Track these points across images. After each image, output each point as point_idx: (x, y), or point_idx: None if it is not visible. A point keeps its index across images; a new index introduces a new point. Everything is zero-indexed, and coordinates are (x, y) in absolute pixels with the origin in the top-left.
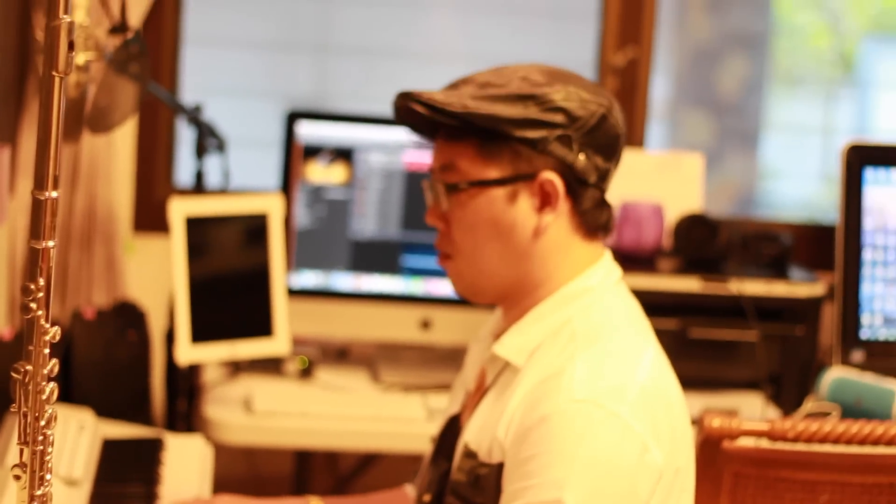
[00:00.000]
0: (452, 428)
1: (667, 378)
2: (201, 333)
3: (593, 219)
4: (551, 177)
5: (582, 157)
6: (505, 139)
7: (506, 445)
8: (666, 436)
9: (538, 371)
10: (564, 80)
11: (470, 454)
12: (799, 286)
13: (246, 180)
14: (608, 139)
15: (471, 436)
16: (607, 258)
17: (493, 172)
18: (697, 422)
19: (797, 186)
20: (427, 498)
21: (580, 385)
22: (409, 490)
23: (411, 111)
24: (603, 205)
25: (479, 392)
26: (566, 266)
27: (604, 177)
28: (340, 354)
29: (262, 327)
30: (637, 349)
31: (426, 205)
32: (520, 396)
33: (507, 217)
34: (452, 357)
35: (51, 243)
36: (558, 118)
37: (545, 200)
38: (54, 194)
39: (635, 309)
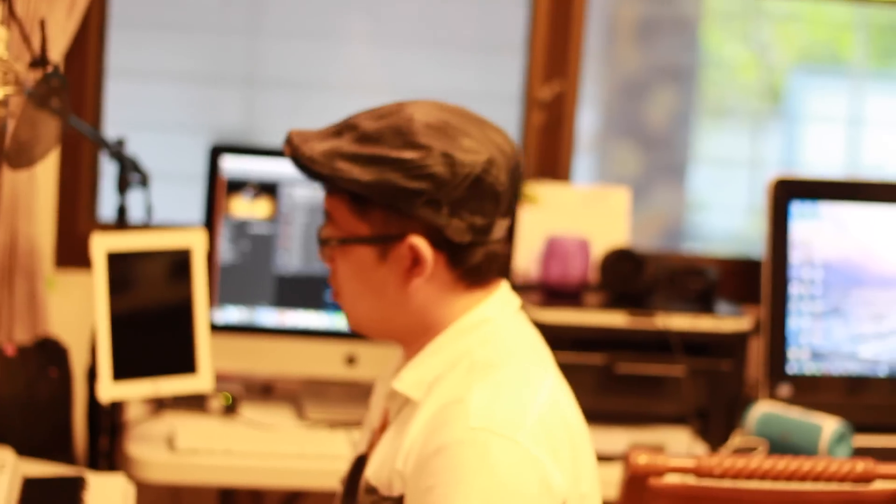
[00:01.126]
0: (359, 467)
1: (566, 406)
2: (124, 370)
3: (478, 273)
4: (418, 241)
5: (454, 221)
6: (373, 201)
7: (406, 476)
8: (568, 461)
9: (436, 401)
10: (446, 132)
11: (370, 489)
12: (725, 320)
13: (170, 215)
14: (484, 197)
15: (371, 471)
16: (504, 289)
17: (363, 230)
18: (623, 458)
19: (725, 219)
20: None
21: (477, 413)
22: None
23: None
24: (491, 256)
25: (383, 429)
26: (453, 311)
27: (485, 231)
28: (265, 391)
29: (185, 363)
30: (536, 377)
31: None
32: (418, 427)
33: (377, 275)
34: None
35: None
36: (424, 184)
37: (413, 264)
38: None
39: (535, 339)
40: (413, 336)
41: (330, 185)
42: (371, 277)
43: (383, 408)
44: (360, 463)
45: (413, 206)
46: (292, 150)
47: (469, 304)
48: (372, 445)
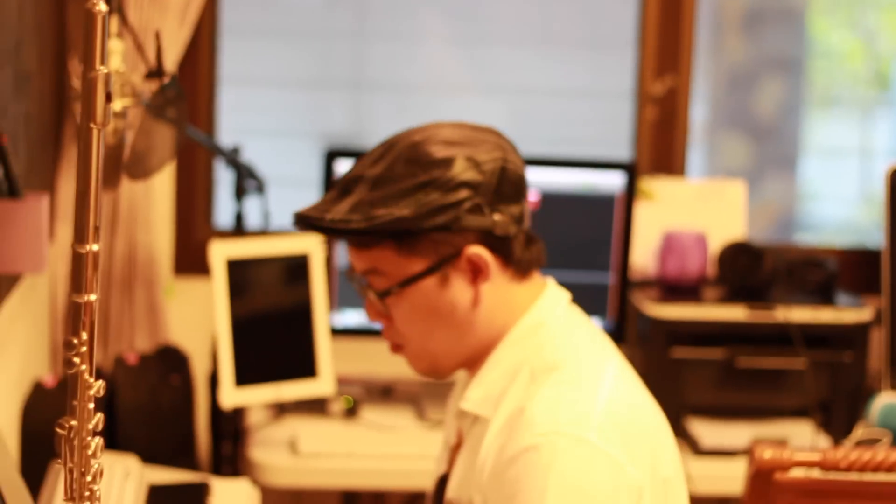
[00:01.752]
0: (441, 487)
1: (634, 393)
2: (245, 376)
3: (525, 262)
4: (476, 250)
5: (497, 216)
6: (420, 232)
7: (484, 492)
8: (641, 450)
9: (503, 414)
10: (457, 144)
11: None
12: (846, 312)
13: (285, 219)
14: (513, 185)
15: (452, 491)
16: (551, 287)
17: (417, 266)
18: (748, 453)
19: (837, 208)
20: None
21: (542, 418)
22: None
23: (318, 232)
24: (530, 242)
25: (458, 447)
26: (512, 311)
27: (520, 219)
28: (385, 393)
29: (305, 368)
30: (596, 371)
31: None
32: (489, 442)
33: (444, 300)
34: None
35: (93, 297)
36: (462, 194)
37: (476, 272)
38: (95, 247)
39: (591, 331)
40: (481, 353)
41: (372, 237)
42: (439, 307)
43: (457, 426)
44: (441, 483)
45: (459, 218)
46: (313, 223)
47: (522, 302)
48: (451, 464)
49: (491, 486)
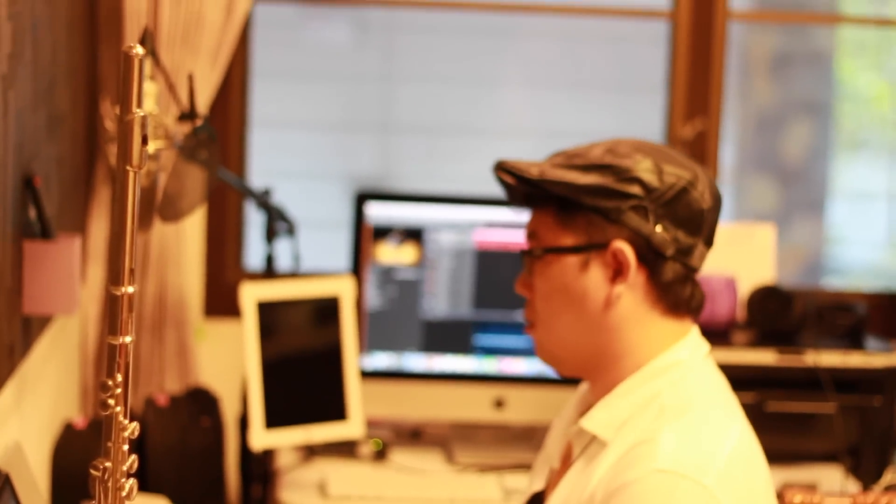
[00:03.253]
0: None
1: (755, 454)
2: (275, 417)
3: (674, 294)
4: (623, 246)
5: (659, 228)
6: (580, 207)
7: None
8: None
9: (625, 442)
10: (651, 152)
11: None
12: (875, 356)
13: (315, 261)
14: (690, 213)
15: None
16: (695, 333)
17: (567, 240)
18: (778, 496)
19: (865, 252)
20: None
21: (666, 455)
22: None
23: (501, 180)
24: (687, 280)
25: (565, 467)
26: (648, 340)
27: (687, 252)
28: (414, 435)
29: (335, 410)
30: (725, 423)
31: (513, 279)
32: (605, 467)
33: (578, 285)
34: (527, 436)
35: (128, 339)
36: (634, 189)
37: (617, 271)
38: (130, 289)
39: (724, 385)
40: (604, 365)
41: (540, 192)
42: (572, 289)
43: (564, 446)
44: (536, 500)
45: (621, 210)
46: (502, 163)
47: (662, 338)
48: (551, 485)
49: None
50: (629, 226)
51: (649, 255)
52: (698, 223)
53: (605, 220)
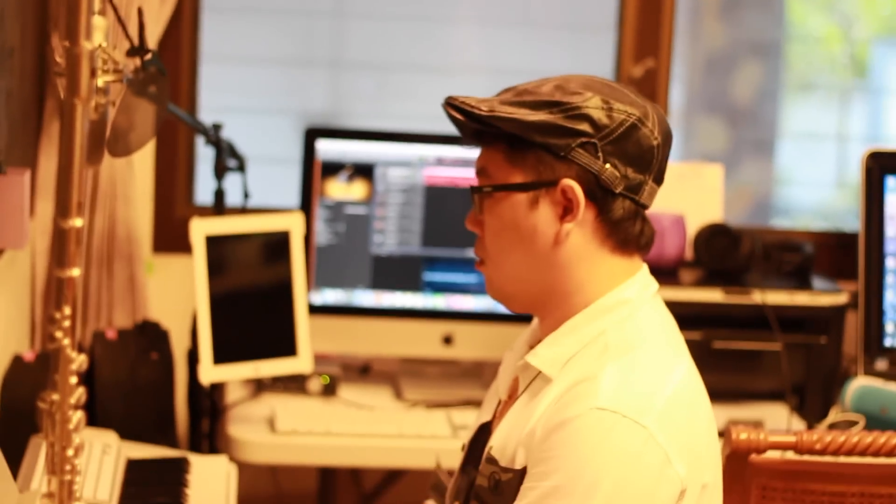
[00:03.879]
0: (482, 435)
1: (697, 394)
2: (224, 353)
3: (623, 231)
4: (572, 184)
5: (608, 166)
6: (530, 145)
7: (529, 449)
8: (692, 451)
9: (568, 379)
10: (601, 89)
11: (491, 460)
12: (822, 296)
13: (264, 197)
14: (639, 149)
15: (495, 442)
16: (644, 272)
17: (516, 177)
18: (724, 434)
19: (812, 193)
20: None
21: (606, 393)
22: None
23: (451, 116)
24: (636, 217)
25: (511, 400)
26: (597, 278)
27: (636, 189)
28: (363, 371)
29: (284, 346)
30: (669, 363)
31: (463, 216)
32: (547, 403)
33: (528, 222)
34: (476, 372)
35: (76, 272)
36: (583, 126)
37: (566, 208)
38: (78, 222)
39: (671, 324)
40: (553, 302)
41: (489, 130)
42: (521, 226)
43: (512, 379)
44: (483, 431)
45: (570, 147)
46: (451, 100)
47: (611, 275)
48: (498, 416)
49: (536, 444)
50: (578, 162)
51: (598, 193)
52: (648, 160)
53: (554, 158)
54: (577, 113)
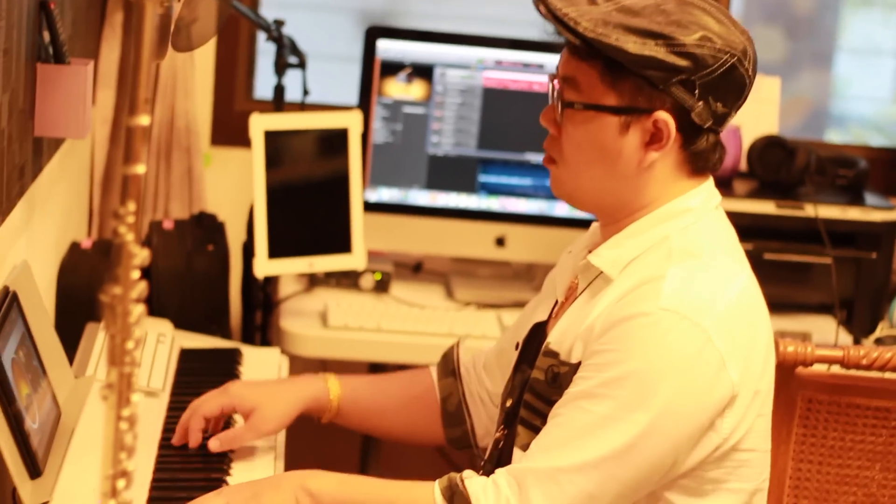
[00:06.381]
0: (538, 334)
1: (757, 303)
2: (279, 247)
3: (703, 160)
4: (665, 117)
5: (701, 103)
6: (630, 72)
7: (587, 343)
8: (747, 357)
9: (630, 280)
10: (703, 19)
11: (550, 353)
12: (874, 211)
13: (323, 94)
14: (734, 87)
15: (554, 337)
16: (709, 183)
17: (611, 99)
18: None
19: (869, 107)
20: (509, 403)
21: (670, 294)
22: (433, 371)
23: (552, 24)
24: (716, 146)
25: (569, 301)
26: (668, 194)
27: (721, 121)
28: (415, 269)
29: (338, 242)
30: (731, 270)
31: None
32: (607, 302)
33: (615, 146)
34: (527, 274)
35: (141, 169)
36: (684, 63)
37: (655, 138)
38: (145, 120)
39: (732, 235)
40: (622, 213)
41: (588, 50)
42: (607, 148)
43: (570, 280)
44: (538, 330)
45: (669, 81)
46: (552, 9)
47: (682, 190)
48: (555, 315)
49: (595, 338)
50: (675, 97)
51: (688, 126)
52: (738, 96)
53: (652, 88)
54: (682, 51)
